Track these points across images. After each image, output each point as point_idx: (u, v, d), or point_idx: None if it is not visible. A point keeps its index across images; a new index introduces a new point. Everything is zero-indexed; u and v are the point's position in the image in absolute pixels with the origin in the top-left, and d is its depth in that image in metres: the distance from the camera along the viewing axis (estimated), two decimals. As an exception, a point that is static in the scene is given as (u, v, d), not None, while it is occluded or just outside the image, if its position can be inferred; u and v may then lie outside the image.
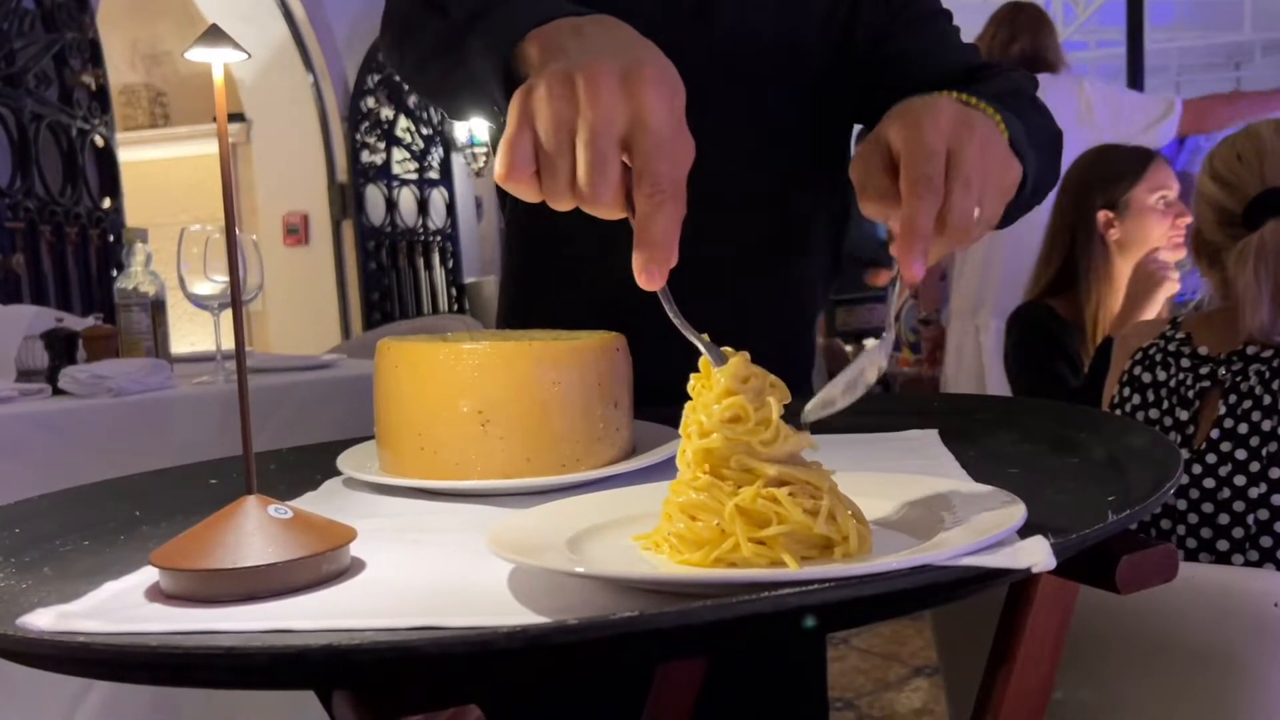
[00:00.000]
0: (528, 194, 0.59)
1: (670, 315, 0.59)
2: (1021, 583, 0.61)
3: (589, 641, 0.42)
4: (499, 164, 0.58)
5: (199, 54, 0.57)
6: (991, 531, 0.49)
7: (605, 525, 0.64)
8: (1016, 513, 0.53)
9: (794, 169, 1.14)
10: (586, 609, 0.49)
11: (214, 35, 0.57)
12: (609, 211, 0.57)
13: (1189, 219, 1.97)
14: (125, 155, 3.98)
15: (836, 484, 0.56)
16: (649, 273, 0.56)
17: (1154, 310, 1.93)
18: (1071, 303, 2.03)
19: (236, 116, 5.79)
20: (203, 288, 1.76)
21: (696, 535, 0.54)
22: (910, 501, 0.61)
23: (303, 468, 0.91)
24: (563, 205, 0.59)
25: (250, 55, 0.59)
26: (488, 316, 6.07)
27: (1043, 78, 2.86)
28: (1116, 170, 2.04)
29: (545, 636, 0.41)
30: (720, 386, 0.57)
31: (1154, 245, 2.00)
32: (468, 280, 6.48)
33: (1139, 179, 2.02)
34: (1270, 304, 1.18)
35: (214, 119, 0.58)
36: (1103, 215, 2.02)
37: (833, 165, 1.17)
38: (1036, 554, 0.46)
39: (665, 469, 0.79)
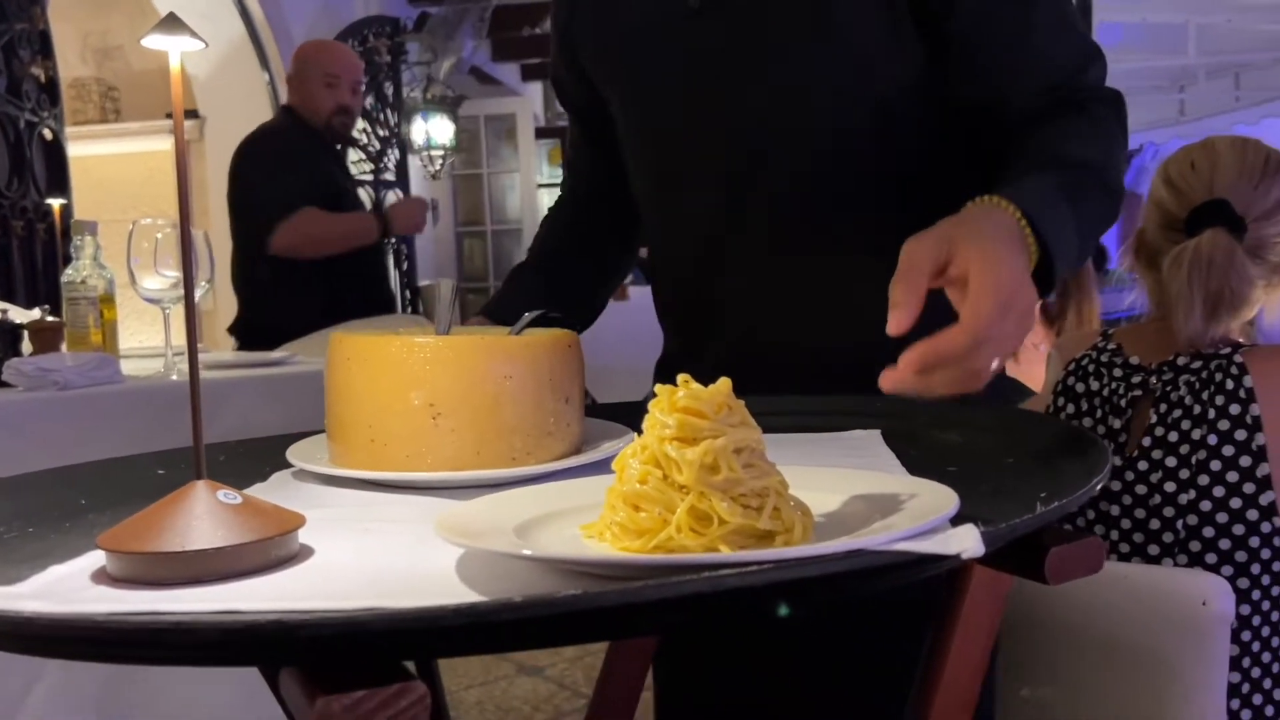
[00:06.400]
0: None
1: None
2: (956, 574, 0.63)
3: (534, 619, 0.43)
4: None
5: (155, 41, 0.58)
6: (925, 519, 0.51)
7: (552, 515, 0.65)
8: (950, 503, 0.55)
9: (879, 214, 1.07)
10: (532, 592, 0.50)
11: (171, 23, 0.58)
12: None
13: None
14: (75, 150, 3.91)
15: (784, 481, 0.58)
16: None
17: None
18: None
19: (190, 113, 5.71)
20: (153, 282, 1.74)
21: (638, 524, 0.55)
22: (850, 495, 0.63)
23: (252, 460, 0.91)
24: None
25: (207, 44, 0.60)
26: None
27: None
28: None
29: (491, 614, 0.43)
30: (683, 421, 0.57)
31: None
32: (422, 283, 6.45)
33: None
34: (1202, 311, 1.22)
35: (167, 115, 0.59)
36: None
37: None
38: (966, 541, 0.48)
39: (614, 463, 0.80)
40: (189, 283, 0.66)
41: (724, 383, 0.59)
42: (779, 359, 1.07)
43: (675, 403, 0.57)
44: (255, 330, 2.89)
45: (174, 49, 0.58)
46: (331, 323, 2.35)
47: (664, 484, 0.55)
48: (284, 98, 5.55)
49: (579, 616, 0.43)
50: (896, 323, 0.70)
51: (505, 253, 8.31)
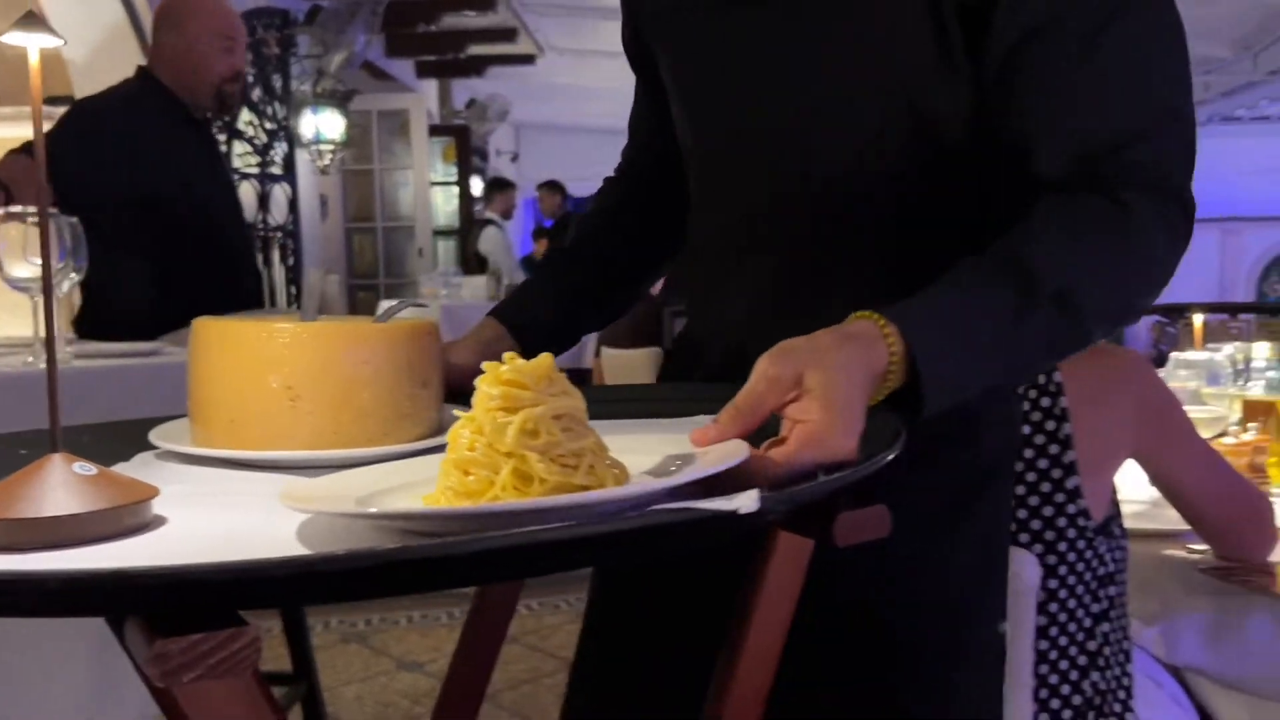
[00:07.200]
0: None
1: None
2: (762, 539, 0.70)
3: (355, 570, 0.48)
4: None
5: (15, 38, 0.61)
6: (713, 465, 0.59)
7: (396, 487, 0.70)
8: (741, 450, 0.63)
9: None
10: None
11: (29, 21, 0.61)
12: None
13: None
14: (-60, 133, 3.78)
15: (600, 443, 0.65)
16: None
17: None
18: None
19: (65, 99, 5.54)
20: (22, 270, 1.72)
21: (468, 488, 0.61)
22: (663, 455, 0.71)
23: (117, 442, 0.93)
24: None
25: (65, 41, 0.63)
26: (328, 314, 5.96)
27: None
28: None
29: (313, 565, 0.48)
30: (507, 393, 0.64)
31: None
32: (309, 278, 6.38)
33: None
34: None
35: (48, 99, 0.62)
36: None
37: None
38: (746, 500, 0.55)
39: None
40: (46, 257, 0.69)
41: (545, 357, 0.65)
42: None
43: (500, 376, 0.63)
44: (97, 327, 2.49)
45: (32, 45, 0.62)
46: (177, 314, 2.15)
47: (490, 449, 0.61)
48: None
49: (398, 567, 0.49)
50: (704, 437, 0.69)
51: (397, 249, 8.26)
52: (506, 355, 0.64)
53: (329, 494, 0.64)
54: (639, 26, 1.13)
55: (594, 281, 1.19)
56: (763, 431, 0.70)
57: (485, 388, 0.63)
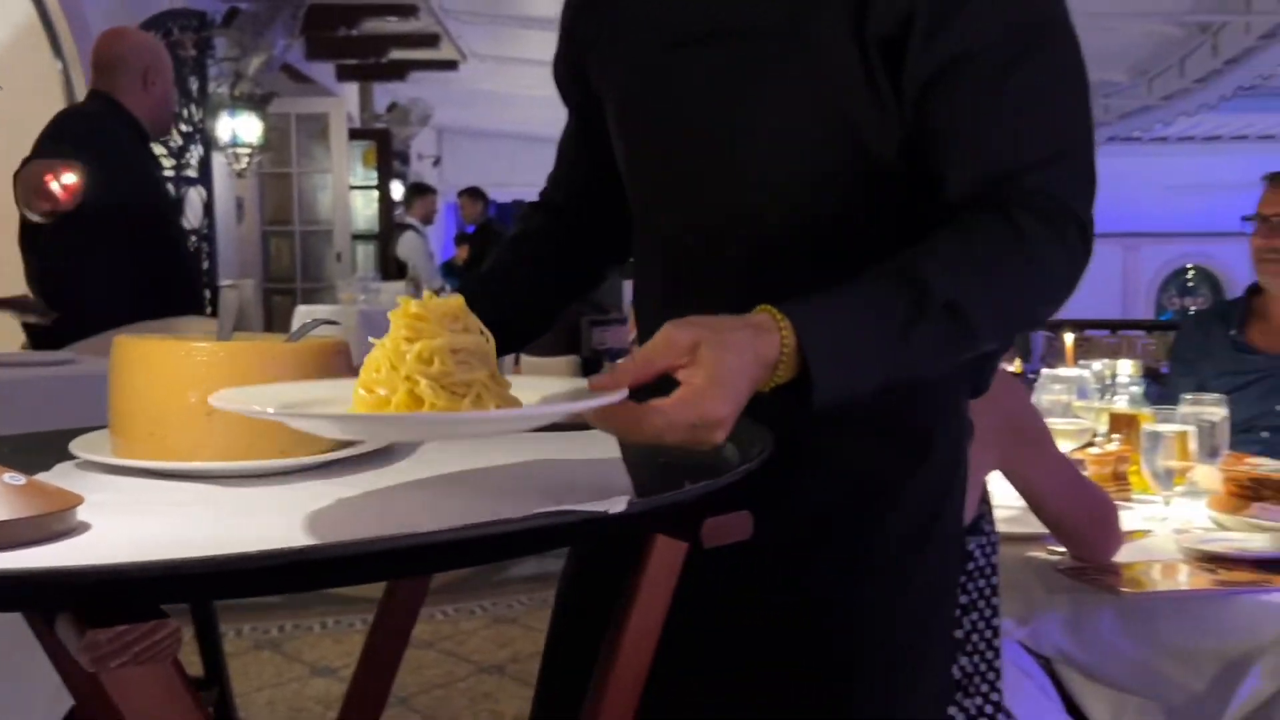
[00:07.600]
0: None
1: None
2: (640, 542, 0.78)
3: (264, 569, 0.55)
4: None
5: (-46, 84, 0.67)
6: (590, 400, 0.71)
7: (315, 400, 0.79)
8: (620, 395, 0.73)
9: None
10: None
11: (-31, 70, 0.67)
12: None
13: None
14: None
15: (495, 376, 0.73)
16: None
17: None
18: None
19: (-27, 98, 5.42)
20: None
21: (366, 404, 0.70)
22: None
23: (37, 453, 0.97)
24: None
25: (2, 87, 0.69)
26: (245, 321, 5.90)
27: None
28: None
29: (229, 563, 0.55)
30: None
31: None
32: (223, 283, 6.31)
33: None
34: None
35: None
36: None
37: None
38: (616, 504, 0.63)
39: (377, 456, 0.93)
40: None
41: (456, 299, 0.74)
42: None
43: (409, 310, 0.72)
44: (58, 327, 2.57)
45: (-30, 91, 0.68)
46: (138, 319, 2.27)
47: (393, 373, 0.70)
48: (79, 88, 5.33)
49: (306, 565, 0.56)
50: (599, 384, 0.77)
51: (314, 253, 8.20)
52: (426, 293, 0.73)
53: (251, 398, 0.74)
54: (579, 58, 1.14)
55: (514, 306, 1.20)
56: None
57: (396, 319, 0.71)
